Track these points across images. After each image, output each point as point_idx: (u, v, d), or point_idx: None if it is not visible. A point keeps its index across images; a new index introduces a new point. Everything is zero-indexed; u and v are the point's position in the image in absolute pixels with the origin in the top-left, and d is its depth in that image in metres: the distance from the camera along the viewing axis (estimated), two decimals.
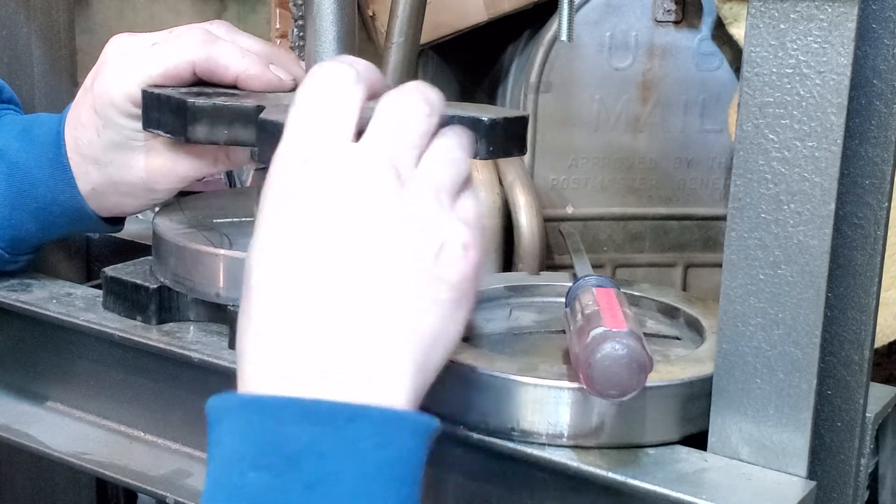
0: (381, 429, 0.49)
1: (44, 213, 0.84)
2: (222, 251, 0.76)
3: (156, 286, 0.78)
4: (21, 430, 0.81)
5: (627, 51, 1.15)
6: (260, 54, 0.80)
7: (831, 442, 0.63)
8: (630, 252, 1.19)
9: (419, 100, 0.58)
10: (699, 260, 1.21)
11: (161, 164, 0.81)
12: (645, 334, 0.60)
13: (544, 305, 0.79)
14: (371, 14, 1.31)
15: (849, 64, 0.55)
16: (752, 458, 0.61)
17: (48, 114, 0.89)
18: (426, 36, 1.20)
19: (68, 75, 1.02)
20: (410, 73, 1.18)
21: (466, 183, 0.57)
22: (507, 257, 1.07)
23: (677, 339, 0.73)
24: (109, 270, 0.81)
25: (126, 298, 0.79)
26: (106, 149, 0.80)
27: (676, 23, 1.15)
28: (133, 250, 0.96)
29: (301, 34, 1.35)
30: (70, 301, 0.83)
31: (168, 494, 0.73)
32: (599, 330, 0.58)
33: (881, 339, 0.98)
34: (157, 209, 0.87)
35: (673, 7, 1.14)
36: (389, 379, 0.51)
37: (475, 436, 0.63)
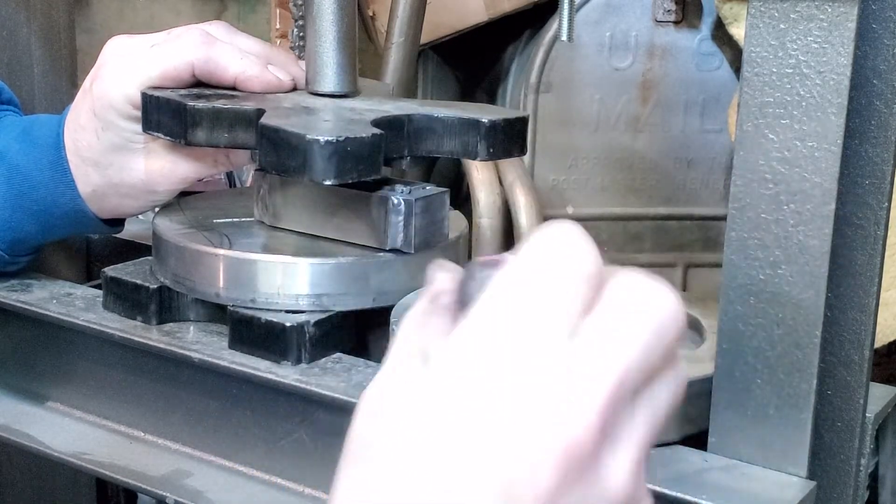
0: None
1: (44, 215, 0.84)
2: (222, 251, 0.76)
3: (156, 286, 0.78)
4: (21, 431, 0.81)
5: (627, 51, 1.15)
6: (259, 55, 0.80)
7: (831, 442, 0.63)
8: (630, 252, 1.19)
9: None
10: (699, 260, 1.21)
11: (161, 166, 0.81)
12: None
13: None
14: (371, 14, 1.32)
15: (849, 64, 0.55)
16: (752, 459, 0.61)
17: (48, 115, 0.89)
18: (426, 36, 1.20)
19: (68, 76, 1.02)
20: (410, 73, 1.19)
21: None
22: None
23: None
24: (109, 271, 0.81)
25: (126, 298, 0.79)
26: (105, 151, 0.80)
27: (676, 23, 1.15)
28: (133, 250, 0.96)
29: (301, 34, 1.35)
30: (70, 301, 0.83)
31: (168, 494, 0.73)
32: None
33: (881, 339, 0.98)
34: (157, 209, 0.87)
35: (673, 7, 1.14)
36: None
37: None
